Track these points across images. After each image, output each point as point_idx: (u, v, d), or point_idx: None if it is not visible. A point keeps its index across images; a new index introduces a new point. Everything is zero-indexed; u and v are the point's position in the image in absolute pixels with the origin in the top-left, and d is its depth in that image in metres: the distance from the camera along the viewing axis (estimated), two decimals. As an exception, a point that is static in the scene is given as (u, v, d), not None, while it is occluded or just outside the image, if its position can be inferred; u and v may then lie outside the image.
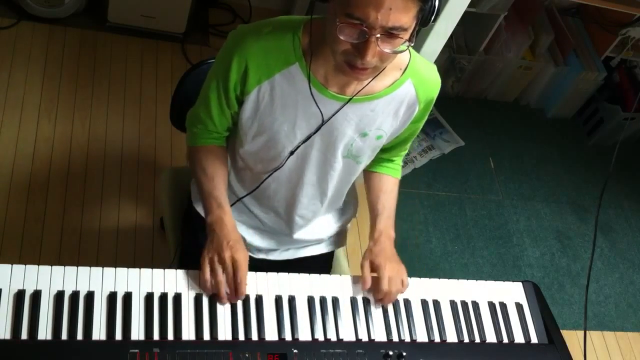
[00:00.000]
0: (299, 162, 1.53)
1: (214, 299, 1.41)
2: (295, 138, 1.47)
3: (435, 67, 1.51)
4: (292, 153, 1.50)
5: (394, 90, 1.43)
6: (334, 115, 1.43)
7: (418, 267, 2.74)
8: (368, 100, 1.42)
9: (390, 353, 1.42)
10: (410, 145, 1.68)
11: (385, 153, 1.66)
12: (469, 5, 1.96)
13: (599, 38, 3.38)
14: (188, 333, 1.35)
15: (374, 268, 1.54)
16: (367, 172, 1.71)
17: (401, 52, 1.25)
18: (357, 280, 1.54)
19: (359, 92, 1.40)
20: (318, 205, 1.65)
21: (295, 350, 1.38)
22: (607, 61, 3.44)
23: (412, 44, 1.28)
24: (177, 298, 1.39)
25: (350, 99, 1.40)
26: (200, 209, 1.73)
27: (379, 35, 1.20)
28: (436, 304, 1.55)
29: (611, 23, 3.27)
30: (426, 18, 1.23)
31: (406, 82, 1.44)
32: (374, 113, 1.45)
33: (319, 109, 1.41)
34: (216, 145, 1.57)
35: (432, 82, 1.49)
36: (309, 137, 1.47)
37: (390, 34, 1.20)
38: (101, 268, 1.38)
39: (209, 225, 1.48)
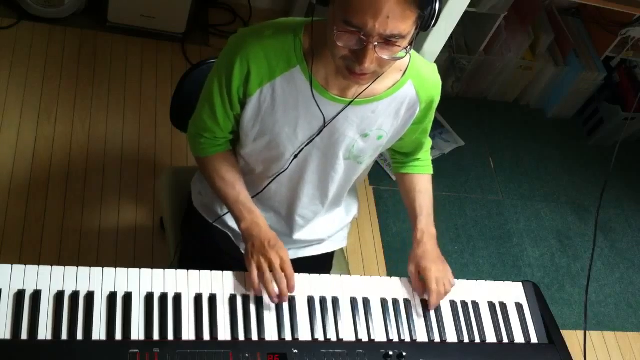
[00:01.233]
0: (300, 163, 1.53)
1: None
2: (297, 139, 1.47)
3: (435, 67, 1.51)
4: (295, 156, 1.50)
5: (395, 92, 1.43)
6: (335, 117, 1.43)
7: (418, 267, 2.74)
8: (369, 102, 1.42)
9: (390, 353, 1.42)
10: (429, 140, 1.68)
11: (408, 156, 1.68)
12: (469, 5, 1.96)
13: (599, 38, 3.38)
14: (188, 333, 1.35)
15: (420, 270, 1.55)
16: (399, 175, 1.73)
17: (400, 58, 1.26)
18: (357, 280, 1.54)
19: (359, 94, 1.40)
20: (319, 205, 1.65)
21: (295, 350, 1.38)
22: (607, 61, 3.44)
23: (411, 49, 1.28)
24: (177, 298, 1.39)
25: (352, 101, 1.40)
26: (200, 209, 1.73)
27: (376, 43, 1.20)
28: (436, 304, 1.56)
29: (611, 23, 3.27)
30: (426, 23, 1.23)
31: (407, 84, 1.44)
32: (374, 114, 1.45)
33: (321, 111, 1.41)
34: (227, 150, 1.57)
35: (433, 83, 1.49)
36: (311, 140, 1.47)
37: (388, 41, 1.20)
38: (101, 268, 1.38)
39: (245, 231, 1.49)
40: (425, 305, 1.54)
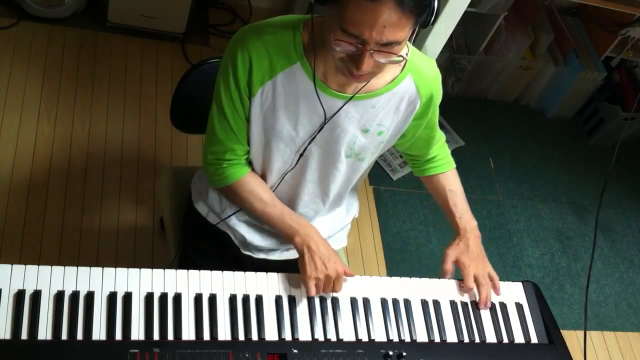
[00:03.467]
0: (301, 160, 1.53)
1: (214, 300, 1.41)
2: (298, 136, 1.47)
3: (434, 61, 1.51)
4: (301, 155, 1.50)
5: (395, 87, 1.43)
6: (337, 112, 1.43)
7: (418, 267, 2.74)
8: (369, 97, 1.42)
9: (390, 353, 1.42)
10: (439, 134, 1.68)
11: (424, 156, 1.69)
12: (469, 5, 1.96)
13: (599, 38, 3.38)
14: (188, 333, 1.35)
15: (458, 264, 1.60)
16: (424, 178, 1.76)
17: (397, 62, 1.27)
18: (357, 280, 1.54)
19: (359, 89, 1.40)
20: (320, 204, 1.65)
21: (295, 350, 1.38)
22: (607, 61, 3.44)
23: (408, 52, 1.29)
24: (177, 298, 1.39)
25: (352, 96, 1.41)
26: (201, 209, 1.73)
27: (373, 50, 1.21)
28: (436, 304, 1.55)
29: (611, 23, 3.27)
30: (424, 22, 1.24)
31: (406, 78, 1.44)
32: (374, 109, 1.45)
33: (323, 107, 1.41)
34: (249, 172, 1.56)
35: (432, 77, 1.49)
36: (314, 136, 1.47)
37: (385, 47, 1.21)
38: (101, 268, 1.38)
39: (301, 244, 1.50)
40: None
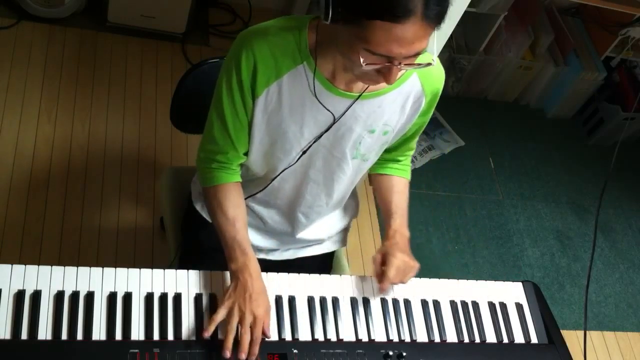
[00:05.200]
0: (304, 159, 1.52)
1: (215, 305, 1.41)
2: (303, 137, 1.46)
3: (437, 59, 1.51)
4: (304, 152, 1.49)
5: (400, 85, 1.43)
6: (344, 113, 1.42)
7: (418, 267, 2.74)
8: (375, 96, 1.42)
9: (390, 353, 1.42)
10: (415, 144, 1.67)
11: (390, 153, 1.66)
12: (469, 5, 1.96)
13: (599, 38, 3.39)
14: (188, 333, 1.35)
15: (385, 260, 1.52)
16: (374, 175, 1.70)
17: (425, 65, 1.27)
18: (357, 280, 1.54)
19: (366, 89, 1.40)
20: (322, 205, 1.65)
21: (295, 350, 1.38)
22: (607, 61, 3.44)
23: (435, 57, 1.29)
24: (177, 298, 1.39)
25: (360, 95, 1.40)
26: (202, 211, 1.73)
27: (401, 64, 1.22)
28: (436, 304, 1.55)
29: (611, 23, 3.27)
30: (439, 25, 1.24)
31: (412, 76, 1.44)
32: (381, 109, 1.45)
33: (327, 108, 1.41)
34: (233, 182, 1.52)
35: (437, 75, 1.49)
36: (320, 136, 1.46)
37: (411, 58, 1.22)
38: (101, 268, 1.38)
39: (233, 272, 1.43)
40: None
